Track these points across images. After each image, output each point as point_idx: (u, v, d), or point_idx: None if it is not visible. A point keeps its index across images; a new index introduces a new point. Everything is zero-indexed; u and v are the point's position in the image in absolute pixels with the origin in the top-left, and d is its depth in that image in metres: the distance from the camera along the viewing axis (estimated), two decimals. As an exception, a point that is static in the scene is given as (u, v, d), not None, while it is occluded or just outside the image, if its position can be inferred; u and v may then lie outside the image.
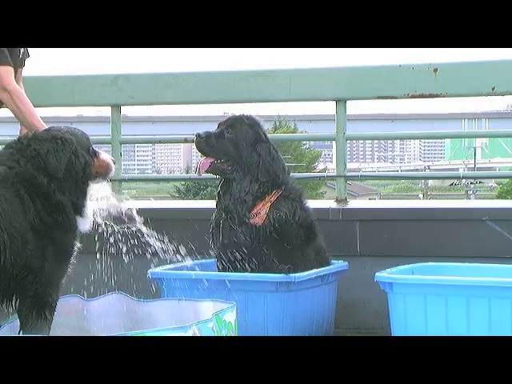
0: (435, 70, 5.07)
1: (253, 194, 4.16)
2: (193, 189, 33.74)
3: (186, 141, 6.05)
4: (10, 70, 4.00)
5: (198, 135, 4.24)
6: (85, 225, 3.31)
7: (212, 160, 4.21)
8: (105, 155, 3.44)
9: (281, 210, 4.17)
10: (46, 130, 3.39)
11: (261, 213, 4.15)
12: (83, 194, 3.29)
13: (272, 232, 4.12)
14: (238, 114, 4.37)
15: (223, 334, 3.05)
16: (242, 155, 4.19)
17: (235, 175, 4.18)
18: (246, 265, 4.10)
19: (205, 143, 4.23)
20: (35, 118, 3.98)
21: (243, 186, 4.17)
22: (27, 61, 4.26)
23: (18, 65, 4.14)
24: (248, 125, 4.26)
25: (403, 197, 40.03)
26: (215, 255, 4.29)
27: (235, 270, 4.12)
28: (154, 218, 5.20)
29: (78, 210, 3.26)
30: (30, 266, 3.06)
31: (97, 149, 3.43)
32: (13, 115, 4.13)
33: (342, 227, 4.88)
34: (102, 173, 3.40)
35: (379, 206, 5.57)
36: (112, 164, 3.44)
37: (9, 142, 3.30)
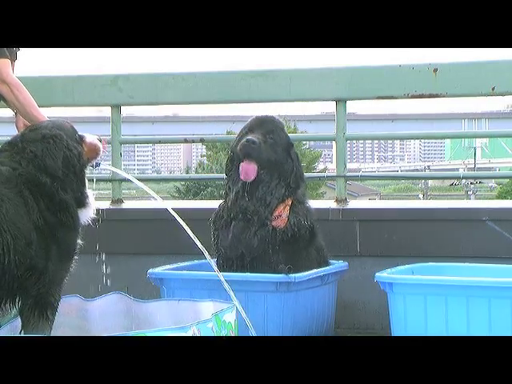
0: (435, 70, 5.07)
1: (278, 198, 4.16)
2: (193, 189, 33.71)
3: (185, 141, 6.05)
4: (8, 62, 3.99)
5: (253, 141, 4.11)
6: (88, 214, 3.35)
7: (256, 165, 4.14)
8: (90, 137, 3.47)
9: (299, 215, 4.20)
10: (33, 129, 3.37)
11: (282, 216, 4.15)
12: (83, 184, 3.34)
13: (291, 236, 4.14)
14: (264, 114, 4.32)
15: (223, 334, 3.05)
16: (277, 160, 4.18)
17: (263, 177, 4.16)
18: (254, 265, 4.09)
19: (257, 149, 4.12)
20: (34, 109, 3.97)
21: (270, 189, 4.16)
22: (18, 54, 4.26)
23: (13, 58, 4.14)
24: (281, 128, 4.28)
25: (403, 197, 40.00)
26: (217, 253, 4.26)
27: (241, 270, 4.11)
28: (154, 218, 5.24)
29: (82, 202, 3.30)
30: (34, 266, 3.07)
31: (81, 133, 3.45)
32: (9, 116, 4.13)
33: (342, 227, 4.88)
34: (93, 155, 3.45)
35: (379, 206, 5.57)
36: (99, 144, 3.47)
37: (2, 145, 3.31)
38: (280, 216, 4.14)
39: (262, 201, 4.14)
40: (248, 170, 4.12)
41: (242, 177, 4.13)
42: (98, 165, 3.63)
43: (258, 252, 4.10)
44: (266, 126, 4.23)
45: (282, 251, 4.12)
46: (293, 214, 4.17)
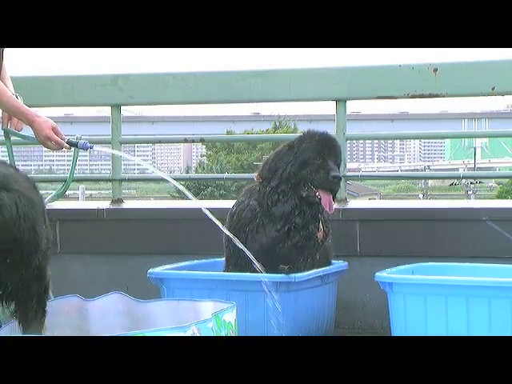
0: (435, 70, 5.07)
1: (321, 213, 4.20)
2: (193, 189, 33.73)
3: (185, 141, 6.05)
4: None
5: (340, 179, 4.14)
6: None
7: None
8: None
9: (328, 222, 4.27)
10: None
11: (321, 228, 4.20)
12: None
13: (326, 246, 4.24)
14: (330, 135, 4.29)
15: (223, 334, 3.04)
16: None
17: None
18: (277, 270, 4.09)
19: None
20: (12, 99, 3.94)
21: (321, 208, 4.18)
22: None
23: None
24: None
25: (403, 197, 40.08)
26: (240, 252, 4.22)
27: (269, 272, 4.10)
28: (154, 218, 5.24)
29: None
30: (49, 265, 3.12)
31: None
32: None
33: (342, 227, 4.88)
34: None
35: (379, 206, 5.57)
36: None
37: None
38: (321, 229, 4.20)
39: (314, 218, 4.15)
40: (331, 204, 4.12)
41: (327, 209, 4.11)
42: (91, 147, 3.61)
43: (294, 261, 4.08)
44: (335, 151, 4.20)
45: (313, 259, 4.19)
46: (325, 224, 4.24)
